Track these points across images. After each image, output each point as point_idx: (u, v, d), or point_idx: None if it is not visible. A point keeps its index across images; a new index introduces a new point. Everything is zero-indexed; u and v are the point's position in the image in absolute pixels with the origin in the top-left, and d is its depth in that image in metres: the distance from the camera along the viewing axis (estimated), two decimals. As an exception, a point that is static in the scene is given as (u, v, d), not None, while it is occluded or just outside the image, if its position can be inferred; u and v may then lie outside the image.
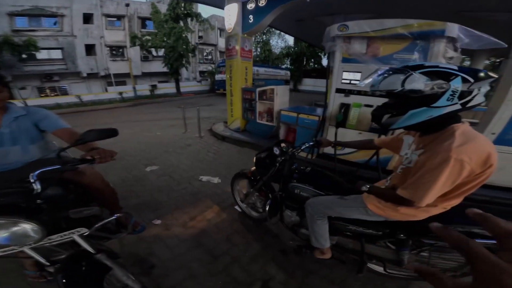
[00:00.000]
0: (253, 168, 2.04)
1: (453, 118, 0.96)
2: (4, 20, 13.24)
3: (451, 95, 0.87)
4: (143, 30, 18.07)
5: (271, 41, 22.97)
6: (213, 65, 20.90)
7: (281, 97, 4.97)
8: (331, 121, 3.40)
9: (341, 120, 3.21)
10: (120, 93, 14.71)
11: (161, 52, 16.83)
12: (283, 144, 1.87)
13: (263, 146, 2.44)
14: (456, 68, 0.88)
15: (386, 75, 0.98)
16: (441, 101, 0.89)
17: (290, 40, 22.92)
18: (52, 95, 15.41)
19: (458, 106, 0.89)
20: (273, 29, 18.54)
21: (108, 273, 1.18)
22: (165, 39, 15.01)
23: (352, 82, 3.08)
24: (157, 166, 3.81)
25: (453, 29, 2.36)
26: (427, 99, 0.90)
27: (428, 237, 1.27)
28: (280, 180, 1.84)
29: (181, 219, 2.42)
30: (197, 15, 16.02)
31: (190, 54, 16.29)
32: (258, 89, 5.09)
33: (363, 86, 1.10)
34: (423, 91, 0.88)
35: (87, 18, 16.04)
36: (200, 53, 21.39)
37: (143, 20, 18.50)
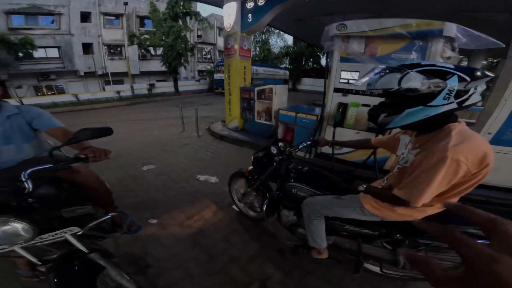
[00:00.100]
0: (251, 167, 2.03)
1: (450, 117, 0.96)
2: (1, 18, 13.11)
3: (447, 94, 0.87)
4: (141, 28, 17.99)
5: (270, 40, 22.88)
6: (212, 64, 20.81)
7: (279, 96, 4.97)
8: (329, 120, 3.40)
9: (339, 120, 3.22)
10: (118, 92, 14.57)
11: (160, 51, 16.74)
12: (280, 143, 1.87)
13: (261, 145, 2.43)
14: (452, 67, 0.88)
15: (382, 73, 0.98)
16: (437, 100, 0.88)
17: (289, 39, 22.88)
18: (49, 93, 15.31)
19: (454, 105, 0.89)
20: (272, 28, 18.57)
21: (101, 272, 1.17)
22: (163, 38, 14.93)
23: (350, 81, 3.08)
24: (154, 165, 3.79)
25: (451, 28, 2.36)
26: (424, 98, 0.90)
27: (424, 237, 1.27)
28: (277, 179, 1.84)
29: (178, 219, 2.41)
30: (196, 14, 15.94)
31: (188, 53, 16.24)
32: (256, 88, 5.08)
33: (360, 84, 1.10)
34: (420, 90, 0.88)
35: (85, 17, 15.94)
36: (199, 52, 21.33)
37: (142, 19, 18.41)
